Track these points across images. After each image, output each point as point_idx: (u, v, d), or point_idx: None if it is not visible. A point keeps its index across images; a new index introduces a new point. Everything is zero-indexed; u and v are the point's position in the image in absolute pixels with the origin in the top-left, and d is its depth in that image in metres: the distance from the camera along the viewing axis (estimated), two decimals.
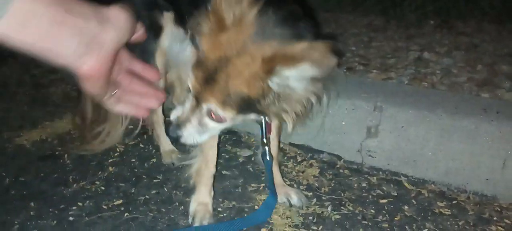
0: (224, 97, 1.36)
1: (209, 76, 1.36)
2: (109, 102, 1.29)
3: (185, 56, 2.16)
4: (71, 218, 1.81)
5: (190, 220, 1.78)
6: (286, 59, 1.24)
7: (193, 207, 1.82)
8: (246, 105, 1.38)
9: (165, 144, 2.27)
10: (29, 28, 0.98)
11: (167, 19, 2.02)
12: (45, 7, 0.98)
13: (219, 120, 1.44)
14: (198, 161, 1.85)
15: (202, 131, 1.51)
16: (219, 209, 1.87)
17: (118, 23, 1.14)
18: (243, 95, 1.35)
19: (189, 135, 1.51)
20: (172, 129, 1.52)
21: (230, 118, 1.43)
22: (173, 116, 1.53)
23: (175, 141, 1.63)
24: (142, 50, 2.01)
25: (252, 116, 1.48)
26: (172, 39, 2.06)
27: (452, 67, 2.55)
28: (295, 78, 1.29)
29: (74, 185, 2.03)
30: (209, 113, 1.44)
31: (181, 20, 2.00)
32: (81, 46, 1.05)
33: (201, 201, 1.82)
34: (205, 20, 1.37)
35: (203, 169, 1.83)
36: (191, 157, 1.89)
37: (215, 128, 1.51)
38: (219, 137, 2.03)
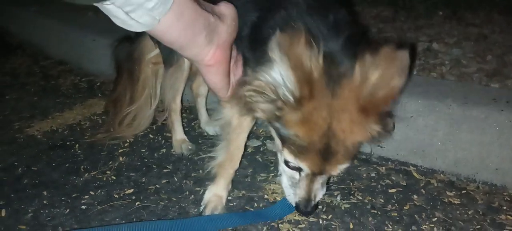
0: (349, 156, 1.38)
1: (323, 154, 1.34)
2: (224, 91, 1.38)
3: None
4: (83, 207, 1.84)
5: (201, 208, 1.80)
6: (380, 103, 1.24)
7: (207, 196, 1.83)
8: (362, 146, 1.43)
9: (178, 133, 2.28)
10: (181, 21, 1.09)
11: None
12: (190, 1, 1.09)
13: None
14: (223, 156, 1.82)
15: (325, 183, 1.58)
16: (229, 198, 1.89)
17: (229, 17, 1.26)
18: (361, 143, 1.38)
19: (321, 196, 1.57)
20: (304, 207, 1.53)
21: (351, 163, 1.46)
22: (295, 198, 1.55)
23: (311, 214, 1.65)
24: None
25: None
26: None
27: (461, 58, 2.53)
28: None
29: (86, 175, 2.06)
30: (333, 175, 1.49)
31: None
32: (207, 38, 1.17)
33: (217, 192, 1.83)
34: (281, 106, 1.29)
35: (227, 165, 1.82)
36: (216, 150, 1.85)
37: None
38: None
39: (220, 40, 1.22)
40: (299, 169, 1.47)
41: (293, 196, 1.57)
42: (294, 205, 1.58)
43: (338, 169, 1.41)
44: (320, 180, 1.51)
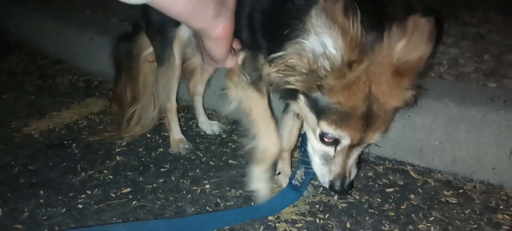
0: (388, 123, 1.38)
1: (365, 120, 1.33)
2: (229, 61, 1.37)
3: None
4: (80, 206, 1.83)
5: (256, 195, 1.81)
6: (413, 66, 1.27)
7: (255, 183, 1.80)
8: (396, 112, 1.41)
9: (175, 133, 2.28)
10: None
11: None
12: None
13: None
14: (261, 142, 1.71)
15: (357, 160, 1.53)
16: (227, 197, 1.89)
17: None
18: (397, 109, 1.38)
19: (354, 175, 1.53)
20: (338, 185, 1.48)
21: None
22: (328, 175, 1.50)
23: (346, 193, 1.64)
24: (162, 37, 2.04)
25: None
26: None
27: (459, 57, 2.53)
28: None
29: (83, 174, 2.05)
30: (367, 145, 1.46)
31: None
32: (215, 10, 1.15)
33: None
34: (325, 75, 1.29)
35: (268, 146, 1.72)
36: (248, 140, 1.76)
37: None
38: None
39: (229, 13, 1.21)
40: (335, 143, 1.42)
41: (327, 174, 1.50)
42: (328, 185, 1.51)
43: (377, 136, 1.39)
44: (355, 155, 1.47)
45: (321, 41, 1.24)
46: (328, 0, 1.20)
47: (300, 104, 1.44)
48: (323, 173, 1.51)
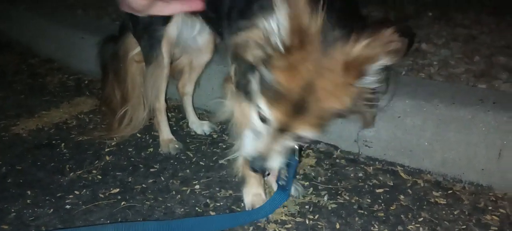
0: (320, 121, 1.34)
1: (296, 107, 1.31)
2: (157, 8, 1.33)
3: (197, 43, 2.16)
4: (68, 206, 1.81)
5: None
6: (368, 58, 1.22)
7: (248, 199, 1.81)
8: (335, 117, 1.38)
9: (164, 133, 2.27)
10: None
11: None
12: None
13: (306, 140, 1.44)
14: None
15: (285, 152, 1.49)
16: (217, 198, 1.88)
17: None
18: (336, 111, 1.34)
19: (276, 164, 1.48)
20: (257, 163, 1.46)
21: (317, 135, 1.41)
22: (252, 150, 1.47)
23: (262, 173, 1.56)
24: (149, 36, 2.03)
25: None
26: (182, 27, 2.06)
27: (449, 58, 2.54)
28: (371, 73, 1.28)
29: (71, 174, 2.03)
30: (297, 138, 1.42)
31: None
32: None
33: (255, 192, 1.81)
34: (273, 42, 1.30)
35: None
36: (234, 150, 1.83)
37: (295, 146, 1.52)
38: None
39: None
40: (266, 121, 1.41)
41: (250, 148, 1.49)
42: (247, 157, 1.51)
43: (306, 130, 1.36)
44: (282, 142, 1.43)
45: (278, 19, 1.26)
46: None
47: (254, 80, 1.46)
48: (247, 144, 1.51)
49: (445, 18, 3.23)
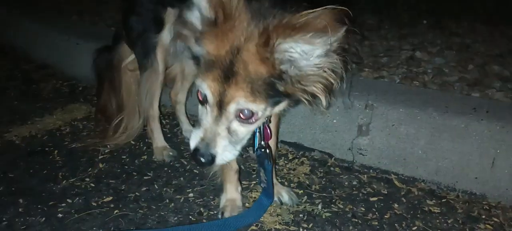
0: (249, 85, 1.31)
1: (226, 72, 1.31)
2: None
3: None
4: (60, 215, 1.80)
5: (219, 215, 1.79)
6: (282, 30, 1.21)
7: (222, 203, 1.82)
8: (270, 90, 1.32)
9: (158, 140, 2.26)
10: None
11: (170, 15, 2.01)
12: None
13: (249, 118, 1.37)
14: None
15: (235, 140, 1.42)
16: (211, 206, 1.87)
17: None
18: (263, 77, 1.30)
19: (223, 150, 1.40)
20: (202, 152, 1.39)
21: (261, 110, 1.36)
22: (195, 139, 1.41)
23: (210, 164, 1.44)
24: (143, 44, 2.03)
25: (281, 105, 1.44)
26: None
27: (443, 66, 2.56)
28: (299, 55, 1.24)
29: (64, 182, 2.02)
30: (238, 115, 1.37)
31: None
32: None
33: (229, 197, 1.82)
34: (201, 21, 1.36)
35: (226, 168, 1.80)
36: None
37: (246, 132, 1.44)
38: None
39: None
40: (205, 100, 1.39)
41: (193, 138, 1.43)
42: (192, 149, 1.43)
43: (240, 99, 1.32)
44: (225, 122, 1.38)
45: (196, 3, 1.34)
46: None
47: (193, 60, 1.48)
48: (192, 136, 1.45)
49: (440, 26, 3.25)
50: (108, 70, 2.32)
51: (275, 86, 1.33)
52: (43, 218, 1.77)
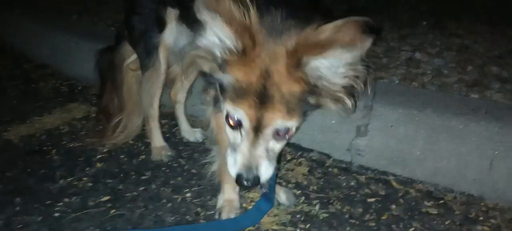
0: (285, 106, 1.33)
1: (261, 97, 1.31)
2: None
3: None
4: (57, 214, 1.80)
5: (216, 216, 1.78)
6: (310, 48, 1.21)
7: (219, 203, 1.82)
8: (303, 104, 1.35)
9: (156, 140, 2.26)
10: None
11: (171, 15, 2.02)
12: None
13: (285, 135, 1.40)
14: (218, 161, 1.81)
15: (272, 156, 1.44)
16: (208, 206, 1.86)
17: None
18: (297, 95, 1.32)
19: (266, 171, 1.42)
20: (246, 177, 1.40)
21: (296, 125, 1.39)
22: (235, 166, 1.42)
23: (255, 186, 1.47)
24: (145, 44, 2.03)
25: (309, 114, 1.46)
26: (177, 35, 2.06)
27: (443, 68, 2.55)
28: (328, 68, 1.26)
29: (61, 181, 2.02)
30: (275, 134, 1.39)
31: (186, 18, 1.98)
32: None
33: (227, 198, 1.81)
34: (224, 49, 1.31)
35: (224, 169, 1.76)
36: (211, 156, 1.85)
37: (281, 146, 1.46)
38: None
39: None
40: (239, 125, 1.39)
41: (233, 164, 1.44)
42: (234, 177, 1.44)
43: (276, 119, 1.34)
44: (263, 144, 1.39)
45: (214, 32, 1.28)
46: None
47: (218, 90, 1.46)
48: (230, 163, 1.46)
49: (440, 27, 3.24)
50: (110, 70, 2.32)
51: (307, 100, 1.35)
52: (40, 217, 1.77)
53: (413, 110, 2.00)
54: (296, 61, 1.26)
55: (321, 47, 1.20)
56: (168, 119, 2.64)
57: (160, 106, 2.26)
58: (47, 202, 1.87)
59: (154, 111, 2.20)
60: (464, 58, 2.66)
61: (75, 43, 3.20)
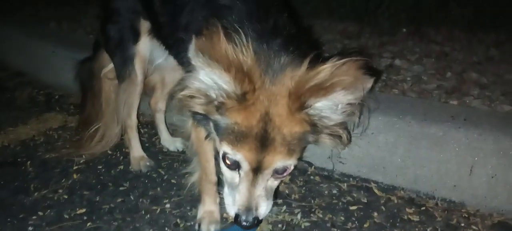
0: (286, 147, 1.31)
1: (262, 140, 1.28)
2: None
3: (168, 61, 2.13)
4: (30, 228, 1.74)
5: (196, 227, 1.74)
6: (313, 91, 1.20)
7: (199, 214, 1.78)
8: (303, 142, 1.35)
9: (135, 150, 2.21)
10: None
11: (144, 27, 1.99)
12: None
13: (284, 172, 1.39)
14: (198, 173, 1.79)
15: (270, 194, 1.43)
16: (188, 217, 1.83)
17: None
18: (298, 135, 1.31)
19: (265, 210, 1.41)
20: (246, 218, 1.38)
21: (294, 163, 1.37)
22: (233, 207, 1.40)
23: (255, 226, 1.44)
24: (122, 54, 2.00)
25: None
26: (153, 46, 2.04)
27: (422, 74, 2.57)
28: (329, 108, 1.26)
29: (36, 193, 1.95)
30: (274, 173, 1.37)
31: (156, 31, 1.96)
32: None
33: (207, 209, 1.77)
34: (222, 93, 1.27)
35: (204, 180, 1.77)
36: (191, 167, 1.82)
37: (278, 183, 1.46)
38: None
39: None
40: (238, 166, 1.37)
41: (231, 204, 1.43)
42: (233, 216, 1.43)
43: (278, 162, 1.32)
44: (262, 184, 1.38)
45: (210, 76, 1.24)
46: (203, 36, 1.20)
47: (210, 128, 1.42)
48: (228, 203, 1.44)
49: (419, 34, 3.28)
50: (89, 79, 2.28)
51: (307, 139, 1.35)
52: None
53: (393, 117, 2.00)
54: (299, 104, 1.25)
55: (324, 89, 1.19)
56: (147, 127, 2.59)
57: (139, 115, 2.22)
58: (21, 216, 1.81)
59: (132, 122, 2.16)
60: (443, 65, 2.69)
61: (52, 51, 3.12)
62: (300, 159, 1.41)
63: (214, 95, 1.29)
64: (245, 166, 1.34)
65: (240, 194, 1.39)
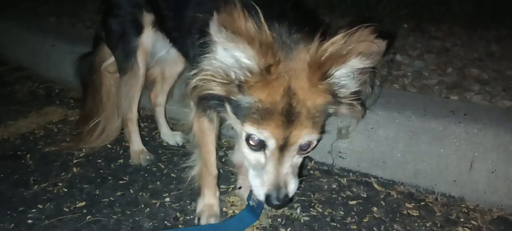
0: (311, 120, 1.31)
1: (288, 115, 1.28)
2: None
3: (170, 54, 2.13)
4: (30, 221, 1.73)
5: (196, 221, 1.74)
6: (333, 59, 1.21)
7: (199, 208, 1.78)
8: (325, 114, 1.36)
9: (135, 143, 2.21)
10: None
11: (148, 20, 1.98)
12: None
13: (308, 147, 1.39)
14: (198, 165, 1.78)
15: (296, 172, 1.43)
16: (187, 211, 1.82)
17: None
18: (321, 107, 1.31)
19: (293, 187, 1.41)
20: (276, 197, 1.37)
21: (318, 137, 1.37)
22: (262, 188, 1.39)
23: (286, 204, 1.46)
24: (123, 47, 1.99)
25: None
26: (154, 40, 2.03)
27: (423, 70, 2.56)
28: (348, 76, 1.27)
29: (35, 187, 1.95)
30: (299, 149, 1.37)
31: (160, 24, 1.96)
32: None
33: (206, 202, 1.77)
34: (244, 70, 1.26)
35: (204, 173, 1.76)
36: (191, 160, 1.82)
37: (302, 160, 1.46)
38: None
39: None
40: (263, 146, 1.36)
41: (260, 186, 1.41)
42: (263, 198, 1.41)
43: (304, 135, 1.32)
44: (288, 161, 1.38)
45: (231, 54, 1.23)
46: (223, 11, 1.19)
47: (227, 112, 1.41)
48: (256, 185, 1.43)
49: (420, 30, 3.27)
50: (89, 73, 2.27)
51: (328, 111, 1.36)
52: (12, 224, 1.71)
53: (393, 112, 2.00)
54: (320, 74, 1.25)
55: (343, 57, 1.20)
56: (147, 121, 2.59)
57: (139, 109, 2.22)
58: (20, 209, 1.80)
59: (133, 115, 2.16)
60: (444, 61, 2.68)
61: (52, 45, 3.11)
62: (322, 132, 1.40)
63: (234, 75, 1.28)
64: (272, 143, 1.33)
65: (268, 174, 1.38)
